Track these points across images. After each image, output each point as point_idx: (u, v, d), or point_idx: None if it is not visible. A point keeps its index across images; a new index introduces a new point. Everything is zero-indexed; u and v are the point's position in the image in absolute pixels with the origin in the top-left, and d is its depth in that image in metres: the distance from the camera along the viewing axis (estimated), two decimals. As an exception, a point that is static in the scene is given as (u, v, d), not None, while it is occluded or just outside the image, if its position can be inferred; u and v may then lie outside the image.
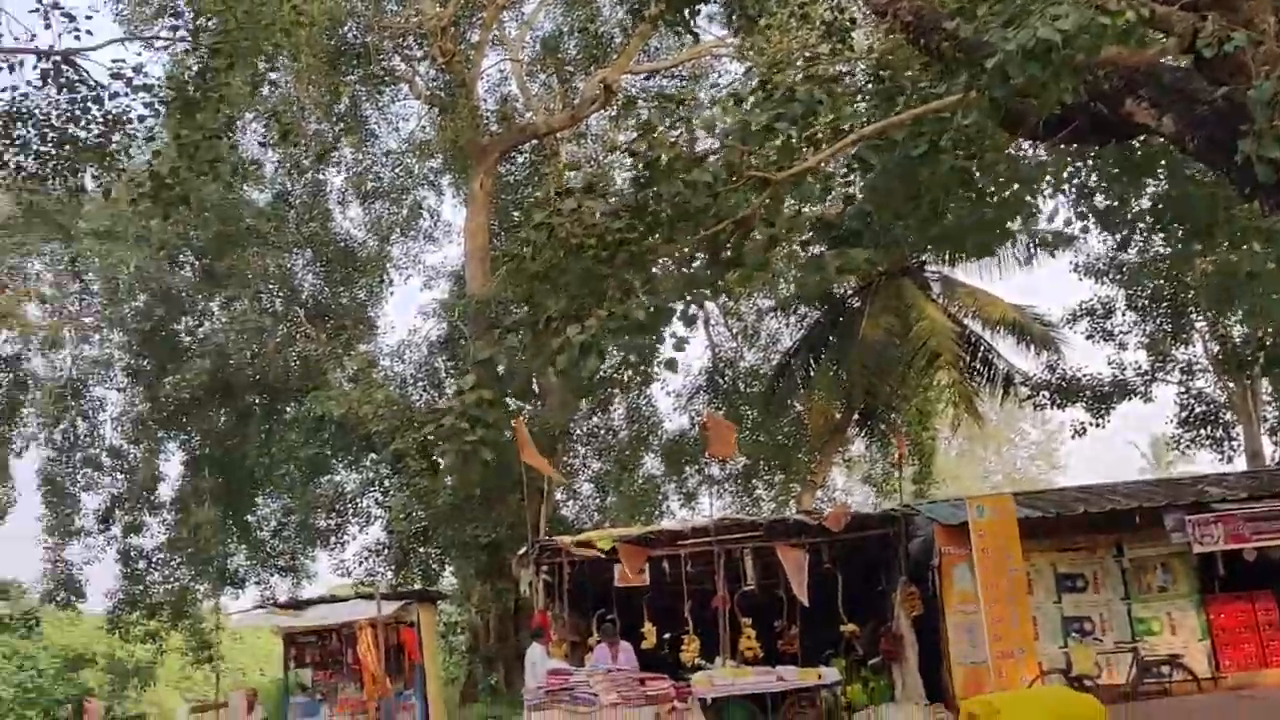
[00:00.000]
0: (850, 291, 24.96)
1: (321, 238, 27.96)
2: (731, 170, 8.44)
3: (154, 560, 28.80)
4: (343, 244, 28.78)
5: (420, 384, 27.95)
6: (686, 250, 9.14)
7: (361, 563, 26.79)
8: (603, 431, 28.98)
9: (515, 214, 29.32)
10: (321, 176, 28.01)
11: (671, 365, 9.14)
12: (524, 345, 8.29)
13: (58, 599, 27.78)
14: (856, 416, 25.85)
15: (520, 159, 29.62)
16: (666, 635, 15.79)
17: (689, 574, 15.34)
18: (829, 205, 10.82)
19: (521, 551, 16.20)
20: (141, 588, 28.54)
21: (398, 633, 15.78)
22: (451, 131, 24.91)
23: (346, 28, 24.91)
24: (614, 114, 27.47)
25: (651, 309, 8.30)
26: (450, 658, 28.44)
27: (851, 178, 9.85)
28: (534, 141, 28.15)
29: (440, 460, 26.12)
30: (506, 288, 24.92)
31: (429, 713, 15.98)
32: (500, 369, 8.21)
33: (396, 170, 28.56)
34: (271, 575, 29.45)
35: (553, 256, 8.69)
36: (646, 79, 28.34)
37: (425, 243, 30.74)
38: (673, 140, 8.50)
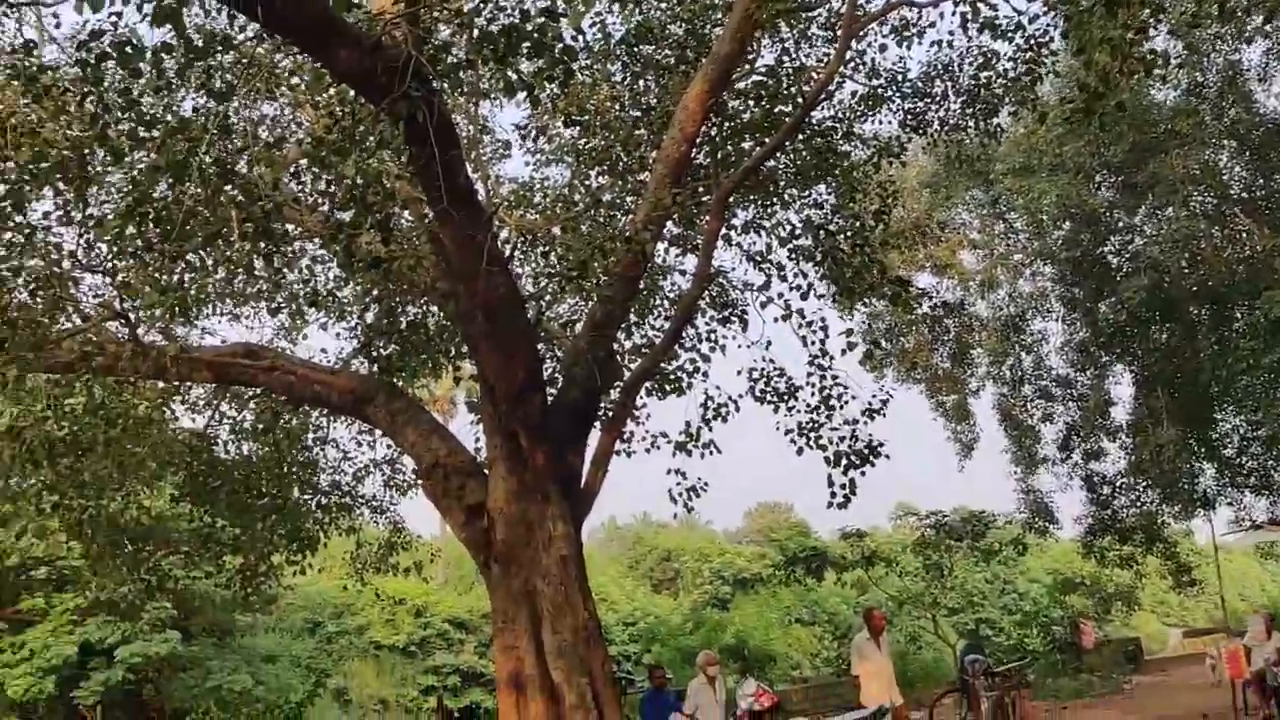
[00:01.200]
0: None
1: (1246, 123, 25.19)
2: None
3: (1118, 485, 28.83)
4: (1272, 124, 25.59)
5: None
6: None
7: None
8: None
9: None
10: (1235, 57, 25.23)
11: None
12: None
13: (1034, 526, 29.29)
14: None
15: None
16: None
17: None
18: None
19: None
20: (1109, 512, 28.76)
21: None
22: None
23: None
24: None
25: None
26: None
27: None
28: None
29: None
30: None
31: None
32: None
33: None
34: (1243, 494, 27.69)
35: None
36: None
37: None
38: None
